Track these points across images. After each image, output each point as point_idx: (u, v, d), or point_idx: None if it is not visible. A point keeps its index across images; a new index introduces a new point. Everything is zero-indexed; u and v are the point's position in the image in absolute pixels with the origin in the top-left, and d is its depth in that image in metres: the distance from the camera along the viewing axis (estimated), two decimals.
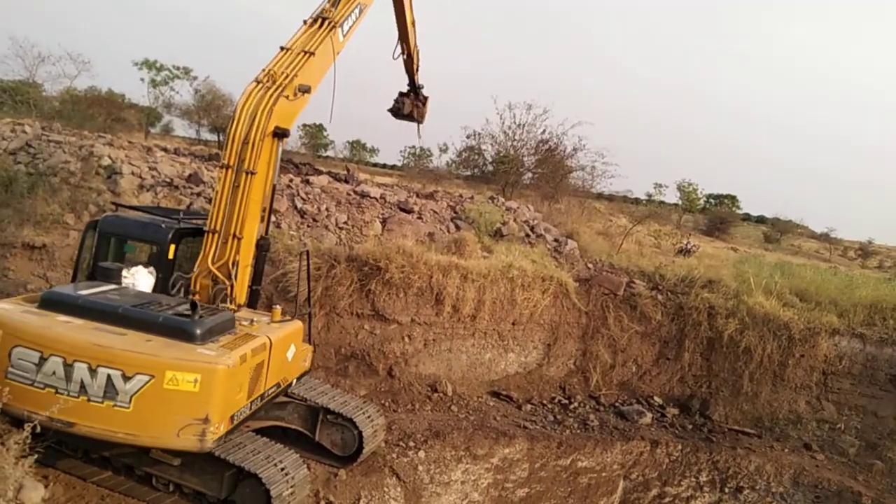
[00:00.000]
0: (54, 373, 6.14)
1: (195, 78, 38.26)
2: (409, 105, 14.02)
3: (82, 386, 6.11)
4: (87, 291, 6.92)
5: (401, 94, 14.16)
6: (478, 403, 12.12)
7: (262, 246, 8.37)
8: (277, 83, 8.08)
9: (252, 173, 7.82)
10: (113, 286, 7.34)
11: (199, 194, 13.39)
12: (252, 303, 8.46)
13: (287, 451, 7.62)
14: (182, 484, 7.32)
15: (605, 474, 11.83)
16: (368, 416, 9.12)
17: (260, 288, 8.68)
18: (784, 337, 13.14)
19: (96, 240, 8.14)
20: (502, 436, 11.09)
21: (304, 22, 8.89)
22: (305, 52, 8.50)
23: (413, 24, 12.15)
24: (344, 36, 9.37)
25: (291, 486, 7.20)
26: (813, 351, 13.13)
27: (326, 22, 8.85)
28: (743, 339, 13.22)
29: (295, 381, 8.49)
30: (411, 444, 10.22)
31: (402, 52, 12.60)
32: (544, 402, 12.91)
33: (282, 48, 8.52)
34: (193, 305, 6.76)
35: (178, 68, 38.14)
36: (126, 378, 6.07)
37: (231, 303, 7.88)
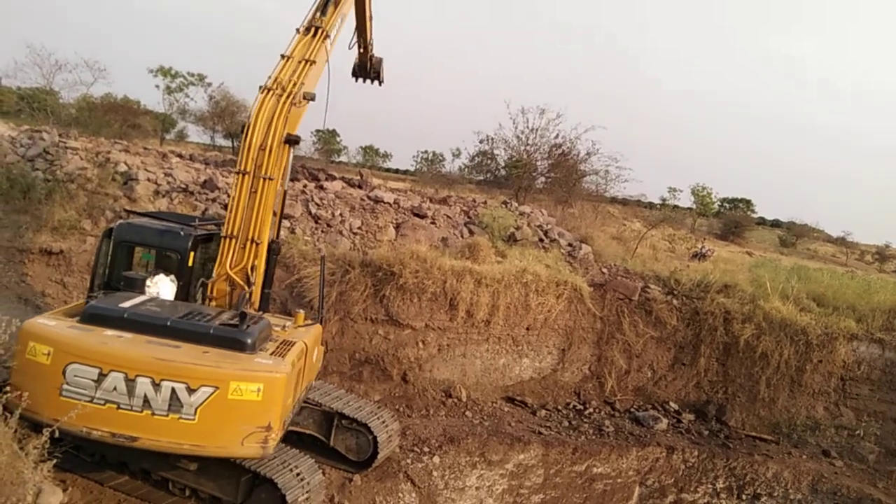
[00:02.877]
0: (115, 388, 6.15)
1: (209, 84, 38.48)
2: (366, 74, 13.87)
3: (146, 400, 6.16)
4: (128, 304, 6.91)
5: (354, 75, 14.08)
6: (492, 409, 12.08)
7: (274, 249, 8.41)
8: (287, 91, 8.19)
9: (270, 179, 7.96)
10: (148, 297, 7.37)
11: (214, 200, 13.47)
12: (264, 306, 8.51)
13: (302, 457, 7.64)
14: (198, 489, 7.35)
15: (621, 480, 11.74)
16: (383, 422, 9.12)
17: (270, 291, 8.70)
18: (801, 342, 13.01)
19: (112, 248, 8.13)
20: (517, 441, 11.05)
21: (297, 31, 8.96)
22: (306, 61, 8.60)
23: (371, 19, 12.25)
24: (331, 44, 9.54)
25: (307, 492, 7.21)
26: (831, 356, 12.99)
27: (320, 31, 8.92)
28: (759, 344, 13.10)
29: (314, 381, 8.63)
30: (426, 449, 10.20)
31: (359, 46, 12.79)
32: (559, 407, 12.85)
33: (282, 56, 8.61)
34: (243, 316, 6.96)
35: (192, 75, 38.41)
36: (191, 391, 6.17)
37: (250, 307, 7.95)
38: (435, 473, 10.03)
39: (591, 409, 12.94)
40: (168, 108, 38.37)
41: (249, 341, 6.68)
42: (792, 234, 59.11)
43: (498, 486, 10.84)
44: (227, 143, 39.86)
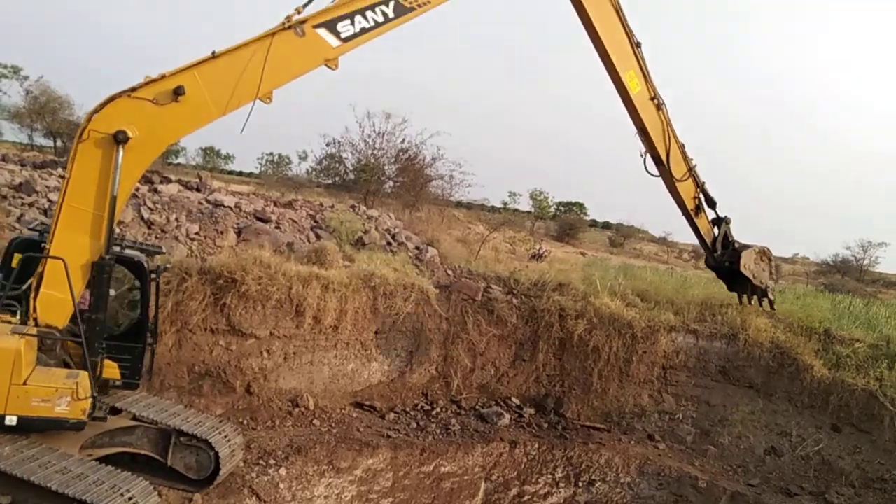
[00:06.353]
0: None
1: (26, 78, 35.03)
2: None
3: None
4: None
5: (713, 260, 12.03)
6: (341, 415, 11.99)
7: (101, 268, 7.60)
8: (144, 82, 7.43)
9: (62, 177, 7.44)
10: None
11: (31, 204, 12.29)
12: (90, 334, 7.68)
13: (135, 479, 7.22)
14: None
15: (468, 477, 12.09)
16: (225, 436, 8.78)
17: (98, 316, 7.78)
18: (628, 335, 14.03)
19: None
20: (366, 447, 11.04)
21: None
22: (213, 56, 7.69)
23: (654, 102, 9.61)
24: (342, 41, 8.17)
25: None
26: (654, 347, 14.12)
27: (284, 21, 7.80)
28: (591, 338, 13.98)
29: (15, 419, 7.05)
30: (272, 461, 9.92)
31: (654, 160, 10.07)
32: (407, 409, 13.00)
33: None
34: None
35: (5, 67, 34.80)
36: None
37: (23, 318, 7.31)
38: (281, 485, 9.78)
39: (438, 409, 13.20)
40: None
41: None
42: (620, 235, 64.03)
43: (347, 493, 10.77)
44: (48, 142, 36.55)
